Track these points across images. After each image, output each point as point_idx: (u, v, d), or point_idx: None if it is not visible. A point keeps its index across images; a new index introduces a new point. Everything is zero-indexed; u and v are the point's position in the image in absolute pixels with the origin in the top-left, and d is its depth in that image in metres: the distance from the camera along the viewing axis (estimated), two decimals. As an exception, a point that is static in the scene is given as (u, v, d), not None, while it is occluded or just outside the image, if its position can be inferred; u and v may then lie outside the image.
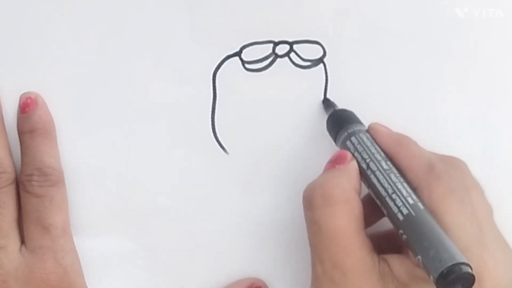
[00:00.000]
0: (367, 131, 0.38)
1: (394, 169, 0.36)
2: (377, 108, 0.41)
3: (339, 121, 0.39)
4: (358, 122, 0.39)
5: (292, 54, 0.40)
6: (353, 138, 0.37)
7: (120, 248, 0.40)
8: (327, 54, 0.41)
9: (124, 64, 0.40)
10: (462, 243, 0.32)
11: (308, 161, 0.41)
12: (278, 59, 0.40)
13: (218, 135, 0.40)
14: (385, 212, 0.35)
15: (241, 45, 0.40)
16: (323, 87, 0.41)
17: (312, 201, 0.35)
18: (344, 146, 0.38)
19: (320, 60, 0.41)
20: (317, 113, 0.41)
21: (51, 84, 0.40)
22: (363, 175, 0.36)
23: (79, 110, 0.40)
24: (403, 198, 0.34)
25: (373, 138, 0.38)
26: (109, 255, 0.40)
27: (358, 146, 0.37)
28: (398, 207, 0.34)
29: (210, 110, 0.40)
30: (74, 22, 0.40)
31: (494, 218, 0.36)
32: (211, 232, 0.41)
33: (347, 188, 0.35)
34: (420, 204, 0.34)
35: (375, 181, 0.35)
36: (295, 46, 0.40)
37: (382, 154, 0.36)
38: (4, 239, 0.38)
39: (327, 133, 0.40)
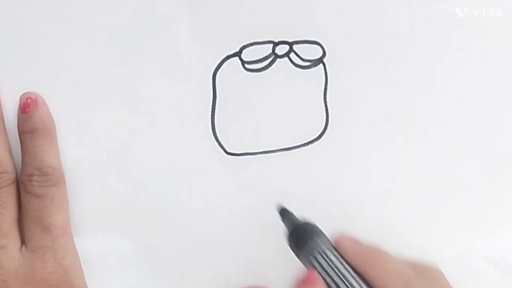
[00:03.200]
0: (333, 246, 0.37)
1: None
2: (377, 108, 0.41)
3: (301, 237, 0.37)
4: (320, 234, 0.37)
5: (292, 54, 0.40)
6: (319, 257, 0.36)
7: (120, 248, 0.40)
8: (326, 54, 0.41)
9: (124, 64, 0.40)
10: None
11: (309, 160, 0.41)
12: (278, 59, 0.40)
13: (218, 135, 0.41)
14: None
15: (241, 45, 0.40)
16: (323, 87, 0.41)
17: None
18: (307, 263, 0.37)
19: (320, 60, 0.41)
20: (316, 113, 0.41)
21: (51, 84, 0.40)
22: None
23: (79, 110, 0.40)
24: None
25: (340, 254, 0.36)
26: (109, 255, 0.40)
27: (325, 265, 0.36)
28: None
29: (210, 110, 0.40)
30: (74, 22, 0.40)
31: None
32: (211, 232, 0.41)
33: None
34: None
35: None
36: (295, 46, 0.40)
37: (351, 271, 0.35)
38: (5, 239, 0.38)
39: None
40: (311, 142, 0.41)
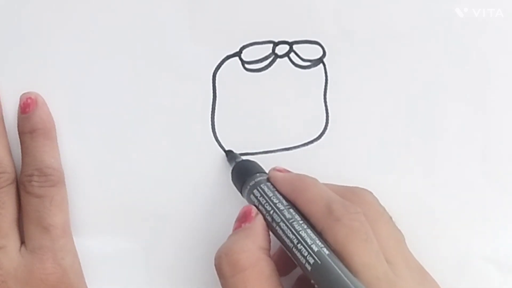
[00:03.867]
0: (268, 179, 0.37)
1: (297, 217, 0.35)
2: (377, 108, 0.41)
3: (241, 174, 0.38)
4: (260, 171, 0.38)
5: (292, 54, 0.40)
6: (255, 191, 0.36)
7: (120, 248, 0.40)
8: (326, 54, 0.41)
9: (124, 64, 0.40)
10: (372, 285, 0.32)
11: (309, 160, 0.41)
12: (278, 59, 0.41)
13: (218, 135, 0.40)
14: (296, 263, 0.34)
15: (241, 45, 0.40)
16: (323, 87, 0.41)
17: (221, 270, 0.34)
18: (249, 200, 0.37)
19: (320, 60, 0.41)
20: (316, 113, 0.41)
21: (51, 84, 0.40)
22: (270, 228, 0.35)
23: (79, 110, 0.40)
24: (308, 247, 0.33)
25: (274, 187, 0.37)
26: (109, 255, 0.40)
27: (261, 199, 0.36)
28: (305, 257, 0.33)
29: (210, 110, 0.40)
30: (74, 22, 0.40)
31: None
32: (210, 232, 0.41)
33: (252, 249, 0.34)
34: (325, 250, 0.33)
35: (280, 232, 0.34)
36: (295, 46, 0.40)
37: (284, 202, 0.35)
38: (4, 239, 0.38)
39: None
40: (311, 142, 0.41)
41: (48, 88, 0.40)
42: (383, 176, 0.41)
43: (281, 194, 0.36)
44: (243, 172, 0.38)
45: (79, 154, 0.40)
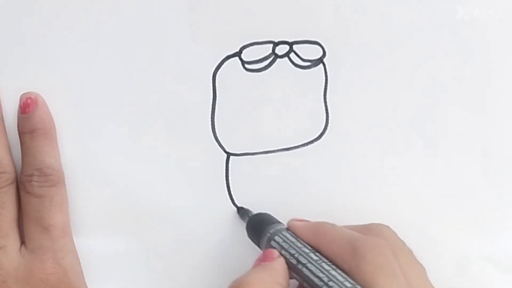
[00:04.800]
0: (287, 229, 0.38)
1: (324, 259, 0.35)
2: (377, 108, 0.41)
3: (258, 226, 0.39)
4: (277, 222, 0.39)
5: (292, 55, 0.40)
6: (276, 237, 0.37)
7: (120, 248, 0.40)
8: (326, 54, 0.41)
9: (124, 64, 0.40)
10: None
11: (309, 160, 0.41)
12: (278, 59, 0.41)
13: (218, 135, 0.41)
14: None
15: (241, 45, 0.40)
16: (323, 87, 0.41)
17: None
18: (269, 247, 0.37)
19: (320, 61, 0.41)
20: (316, 113, 0.41)
21: (51, 84, 0.40)
22: (295, 271, 0.36)
23: (79, 110, 0.40)
24: (340, 283, 0.33)
25: (293, 233, 0.37)
26: (109, 255, 0.40)
27: (284, 244, 0.37)
28: None
29: (210, 110, 0.40)
30: (73, 22, 0.40)
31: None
32: (211, 232, 0.41)
33: (269, 282, 0.34)
34: (359, 287, 0.33)
35: (308, 273, 0.35)
36: (295, 47, 0.40)
37: (309, 247, 0.36)
38: (4, 239, 0.38)
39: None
40: (311, 142, 0.41)
41: (48, 88, 0.40)
42: (383, 176, 0.41)
43: (303, 241, 0.37)
44: (259, 223, 0.39)
45: (79, 154, 0.40)
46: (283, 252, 0.36)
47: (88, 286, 0.39)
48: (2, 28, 0.39)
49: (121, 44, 0.40)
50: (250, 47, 0.40)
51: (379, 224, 0.37)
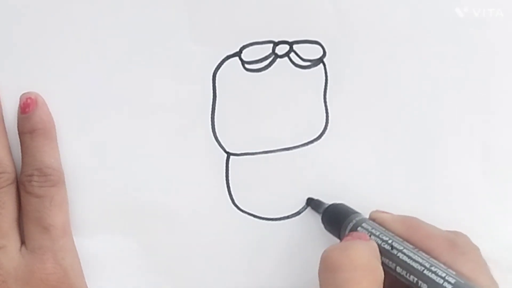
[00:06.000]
0: (371, 219, 0.38)
1: (417, 249, 0.35)
2: (377, 108, 0.41)
3: (338, 215, 0.39)
4: (357, 212, 0.39)
5: (292, 54, 0.40)
6: (364, 225, 0.37)
7: (120, 248, 0.40)
8: (327, 54, 0.41)
9: (124, 64, 0.40)
10: None
11: (309, 160, 0.41)
12: (278, 59, 0.40)
13: (218, 135, 0.41)
14: (424, 286, 0.34)
15: (241, 45, 0.40)
16: (323, 87, 0.41)
17: (337, 263, 0.33)
18: None
19: (320, 60, 0.41)
20: (316, 113, 0.41)
21: (51, 84, 0.40)
22: (387, 256, 0.35)
23: (79, 110, 0.40)
24: (444, 269, 0.33)
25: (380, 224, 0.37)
26: (109, 255, 0.40)
27: (374, 231, 0.36)
28: (443, 278, 0.33)
29: (210, 110, 0.40)
30: (73, 22, 0.40)
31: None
32: (211, 232, 0.41)
33: (373, 257, 0.34)
34: (459, 278, 0.33)
35: (405, 258, 0.35)
36: (295, 46, 0.40)
37: (399, 237, 0.36)
38: (4, 239, 0.38)
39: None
40: (311, 142, 0.41)
41: (48, 88, 0.40)
42: (383, 176, 0.41)
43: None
44: (339, 212, 0.39)
45: (79, 154, 0.40)
46: (373, 238, 0.36)
47: (88, 286, 0.39)
48: (2, 28, 0.39)
49: (121, 44, 0.40)
50: (250, 47, 0.40)
51: (464, 234, 0.37)
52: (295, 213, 0.41)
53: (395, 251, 0.35)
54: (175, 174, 0.40)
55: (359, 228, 0.37)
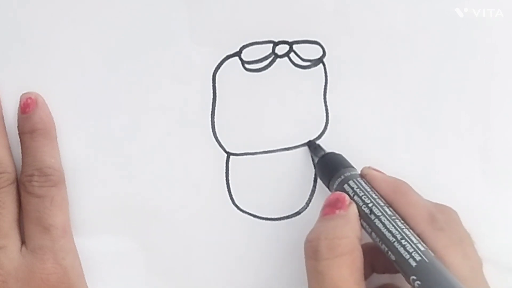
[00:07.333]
0: (361, 176, 0.38)
1: (397, 216, 0.35)
2: (377, 108, 0.41)
3: (331, 166, 0.39)
4: (351, 166, 0.38)
5: (291, 54, 0.40)
6: (351, 182, 0.37)
7: (120, 248, 0.40)
8: (326, 54, 0.41)
9: (124, 64, 0.40)
10: None
11: (309, 160, 0.41)
12: (278, 59, 0.41)
13: (218, 135, 0.41)
14: (392, 257, 0.34)
15: (241, 45, 0.40)
16: (323, 87, 0.41)
17: (317, 251, 0.34)
18: (340, 189, 0.37)
19: (320, 60, 0.41)
20: (316, 113, 0.41)
21: (51, 84, 0.40)
22: (365, 219, 0.36)
23: (79, 110, 0.40)
24: (414, 244, 0.33)
25: (369, 182, 0.37)
26: (109, 255, 0.40)
27: (358, 191, 0.36)
28: (410, 253, 0.33)
29: (210, 110, 0.40)
30: (74, 22, 0.40)
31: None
32: (211, 232, 0.41)
33: (352, 237, 0.35)
34: (430, 251, 0.33)
35: (380, 226, 0.35)
36: (294, 46, 0.40)
37: (383, 200, 0.36)
38: (4, 239, 0.38)
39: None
40: (311, 142, 0.41)
41: (48, 88, 0.40)
42: (383, 176, 0.41)
43: (377, 192, 0.37)
44: (332, 163, 0.39)
45: (79, 154, 0.40)
46: (355, 198, 0.36)
47: (88, 286, 0.39)
48: (2, 28, 0.39)
49: (121, 44, 0.40)
50: (250, 47, 0.40)
51: (451, 208, 0.38)
52: (295, 213, 0.41)
53: (372, 216, 0.35)
54: (175, 174, 0.40)
55: (345, 185, 0.37)
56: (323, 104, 0.41)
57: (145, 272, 0.40)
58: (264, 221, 0.41)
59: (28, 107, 0.39)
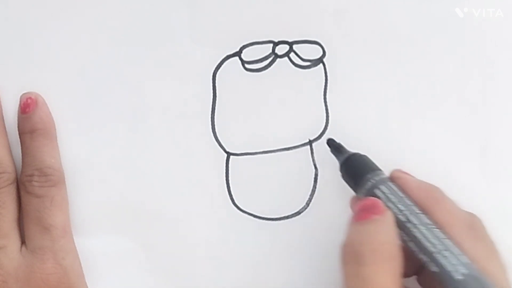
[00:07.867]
0: (391, 179, 0.36)
1: (434, 224, 0.34)
2: (377, 108, 0.41)
3: (358, 168, 0.37)
4: (378, 169, 0.37)
5: (291, 54, 0.40)
6: (382, 187, 0.35)
7: (120, 248, 0.40)
8: (326, 54, 0.41)
9: (124, 64, 0.40)
10: None
11: (309, 160, 0.41)
12: (278, 59, 0.41)
13: (218, 135, 0.41)
14: (435, 269, 0.33)
15: (241, 45, 0.40)
16: (323, 87, 0.41)
17: (361, 256, 0.33)
18: (371, 194, 0.35)
19: (320, 60, 0.41)
20: (316, 113, 0.41)
21: (51, 84, 0.40)
22: (402, 227, 0.34)
23: (79, 110, 0.40)
24: (457, 256, 0.32)
25: (400, 187, 0.36)
26: (109, 255, 0.40)
27: (391, 196, 0.35)
28: (454, 265, 0.32)
29: (210, 110, 0.40)
30: (74, 22, 0.40)
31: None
32: (211, 232, 0.41)
33: (394, 244, 0.33)
34: (475, 266, 0.32)
35: (419, 235, 0.33)
36: (294, 46, 0.40)
37: (417, 206, 0.34)
38: (4, 239, 0.38)
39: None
40: (311, 142, 0.41)
41: (48, 88, 0.40)
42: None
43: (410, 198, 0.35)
44: (360, 165, 0.37)
45: (79, 154, 0.40)
46: (389, 204, 0.34)
47: (88, 286, 0.39)
48: (3, 28, 0.39)
49: (121, 44, 0.40)
50: (250, 47, 0.40)
51: (477, 215, 0.36)
52: (295, 213, 0.41)
53: (409, 225, 0.34)
54: (175, 174, 0.40)
55: (376, 190, 0.35)
56: (323, 104, 0.41)
57: (145, 272, 0.40)
58: (264, 221, 0.41)
59: (28, 107, 0.39)
